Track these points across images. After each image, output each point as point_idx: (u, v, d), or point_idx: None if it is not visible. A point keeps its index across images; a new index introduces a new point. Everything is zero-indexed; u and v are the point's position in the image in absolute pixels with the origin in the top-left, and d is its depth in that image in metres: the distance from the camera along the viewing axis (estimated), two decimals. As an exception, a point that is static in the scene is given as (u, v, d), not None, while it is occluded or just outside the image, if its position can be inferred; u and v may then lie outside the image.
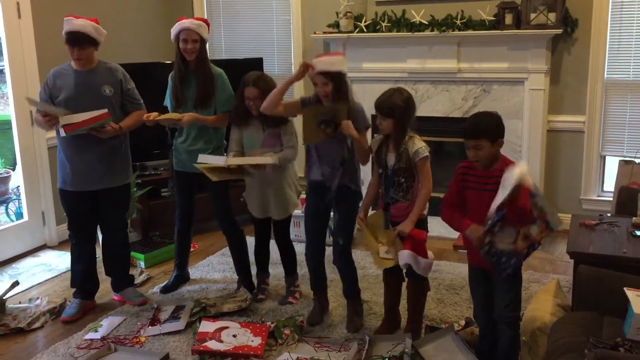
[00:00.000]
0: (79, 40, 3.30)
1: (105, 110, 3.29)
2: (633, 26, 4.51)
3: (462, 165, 2.75)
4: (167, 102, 3.66)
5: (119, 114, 3.48)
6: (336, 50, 5.08)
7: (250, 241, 3.84)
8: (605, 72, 4.62)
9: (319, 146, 3.19)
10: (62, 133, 3.30)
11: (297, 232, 4.70)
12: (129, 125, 3.49)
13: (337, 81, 3.07)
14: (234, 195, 3.81)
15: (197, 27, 3.49)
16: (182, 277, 4.00)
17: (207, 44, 3.70)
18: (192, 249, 4.65)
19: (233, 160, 3.34)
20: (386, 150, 3.00)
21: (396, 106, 2.89)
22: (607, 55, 4.59)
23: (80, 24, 3.29)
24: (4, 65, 4.54)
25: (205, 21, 3.62)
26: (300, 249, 3.66)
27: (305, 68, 3.07)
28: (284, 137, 3.44)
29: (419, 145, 2.94)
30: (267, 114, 3.25)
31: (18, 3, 4.41)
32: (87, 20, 3.33)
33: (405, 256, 2.87)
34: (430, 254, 2.97)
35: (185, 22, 3.48)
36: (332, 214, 3.35)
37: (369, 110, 3.16)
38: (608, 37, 4.55)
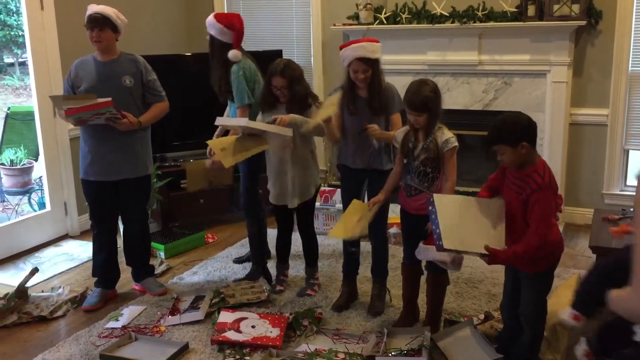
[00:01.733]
0: (97, 21, 3.34)
1: (109, 99, 3.26)
2: (659, 18, 4.43)
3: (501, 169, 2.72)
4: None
5: (140, 105, 3.51)
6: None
7: (273, 232, 3.85)
8: (630, 65, 4.54)
9: (351, 134, 3.28)
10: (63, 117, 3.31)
11: (332, 226, 4.68)
12: (148, 119, 3.51)
13: (376, 68, 3.17)
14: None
15: (208, 24, 3.65)
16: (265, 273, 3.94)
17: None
18: (210, 240, 4.71)
19: (253, 123, 3.33)
20: (415, 140, 2.98)
21: (429, 99, 2.86)
22: (631, 47, 4.51)
23: (100, 8, 3.37)
24: (26, 57, 4.59)
25: (219, 17, 3.69)
26: (331, 241, 3.63)
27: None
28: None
29: (447, 135, 2.93)
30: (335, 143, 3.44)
31: (41, -5, 4.45)
32: (106, 6, 3.39)
33: (431, 253, 2.77)
34: None
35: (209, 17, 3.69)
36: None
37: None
38: (633, 30, 4.47)
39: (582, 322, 2.34)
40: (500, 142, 2.48)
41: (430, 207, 2.61)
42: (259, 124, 3.35)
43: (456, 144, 2.93)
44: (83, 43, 4.49)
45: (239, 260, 4.23)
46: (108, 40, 3.40)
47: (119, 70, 3.44)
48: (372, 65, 3.16)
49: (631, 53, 4.52)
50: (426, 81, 2.95)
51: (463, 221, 2.59)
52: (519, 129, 2.47)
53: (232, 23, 3.65)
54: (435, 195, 2.66)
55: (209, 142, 3.45)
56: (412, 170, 2.99)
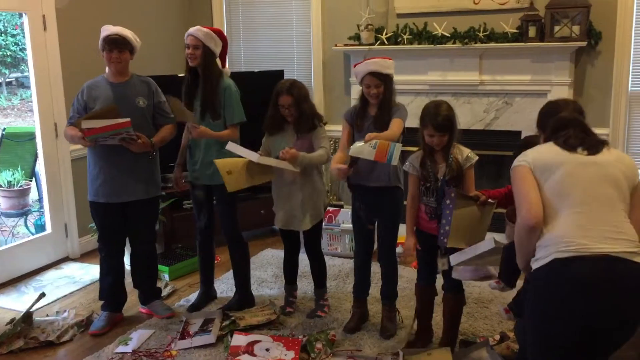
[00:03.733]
0: (117, 43, 3.33)
1: (128, 119, 3.24)
2: (657, 39, 4.51)
3: None
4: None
5: (151, 126, 3.50)
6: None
7: (279, 254, 3.83)
8: (630, 85, 4.61)
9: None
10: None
11: (337, 246, 4.69)
12: (159, 141, 3.50)
13: (388, 84, 3.20)
14: (247, 209, 3.78)
15: (202, 35, 3.45)
16: (208, 295, 3.93)
17: (225, 55, 3.70)
18: (215, 261, 4.65)
19: (263, 159, 3.32)
20: (432, 163, 2.99)
21: (451, 117, 2.90)
22: (631, 67, 4.58)
23: (119, 29, 3.35)
24: (21, 76, 4.56)
25: (219, 33, 3.60)
26: (336, 262, 3.60)
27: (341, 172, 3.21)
28: (315, 142, 3.44)
29: (466, 151, 2.97)
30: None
31: (44, 16, 4.43)
32: (124, 28, 3.38)
33: (476, 272, 2.85)
34: None
35: (193, 28, 3.49)
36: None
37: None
38: (632, 50, 4.54)
39: (505, 288, 2.67)
40: None
41: (448, 201, 2.73)
42: (269, 160, 3.35)
43: (476, 158, 2.98)
44: (86, 64, 4.51)
45: (192, 308, 3.85)
46: (127, 62, 3.40)
47: (133, 92, 3.43)
48: (384, 80, 3.19)
49: (631, 73, 4.59)
50: (440, 101, 2.98)
51: (467, 223, 2.77)
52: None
53: (221, 32, 3.64)
54: (456, 192, 2.75)
55: (216, 161, 3.41)
56: (432, 192, 2.99)
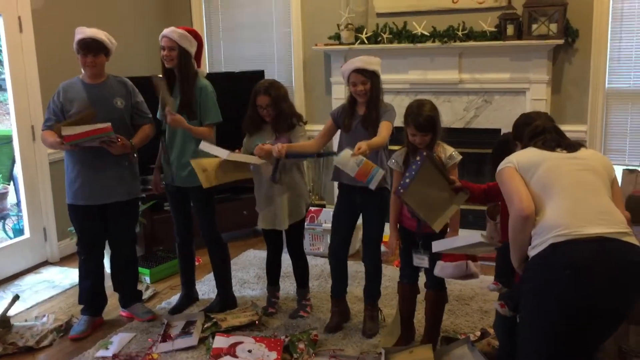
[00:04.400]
0: (91, 47, 3.28)
1: (109, 124, 3.22)
2: (633, 36, 4.55)
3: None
4: (159, 113, 3.61)
5: (130, 127, 3.46)
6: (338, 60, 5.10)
7: (262, 255, 3.81)
8: (607, 82, 4.66)
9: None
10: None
11: (319, 246, 4.68)
12: (139, 142, 3.47)
13: (374, 81, 3.19)
14: (229, 210, 3.77)
15: (176, 36, 3.41)
16: (190, 297, 3.91)
17: (201, 55, 3.67)
18: (196, 263, 4.62)
19: (234, 156, 3.35)
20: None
21: (434, 118, 2.90)
22: (607, 65, 4.63)
23: (93, 32, 3.30)
24: (3, 79, 4.50)
25: (194, 32, 3.56)
26: (318, 262, 3.58)
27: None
28: (293, 141, 3.43)
29: (449, 150, 2.97)
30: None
31: (20, 17, 4.37)
32: (99, 30, 3.33)
33: (456, 270, 2.85)
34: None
35: (167, 30, 3.45)
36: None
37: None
38: (609, 47, 4.59)
39: (501, 288, 2.76)
40: None
41: (418, 159, 2.77)
42: (238, 156, 3.38)
43: (460, 157, 2.98)
44: (62, 65, 4.45)
45: (173, 310, 3.82)
46: (102, 65, 3.37)
47: (110, 93, 3.40)
48: (370, 77, 3.18)
49: (607, 70, 4.64)
50: (424, 101, 2.98)
51: (430, 191, 2.80)
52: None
53: (196, 33, 3.61)
54: (428, 154, 2.79)
55: (191, 160, 3.40)
56: None
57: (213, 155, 3.36)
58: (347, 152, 2.96)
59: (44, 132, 3.38)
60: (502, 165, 2.38)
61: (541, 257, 2.17)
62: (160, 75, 3.51)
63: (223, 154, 3.33)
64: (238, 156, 3.39)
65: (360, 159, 2.91)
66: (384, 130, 3.13)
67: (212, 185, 3.37)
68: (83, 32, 3.29)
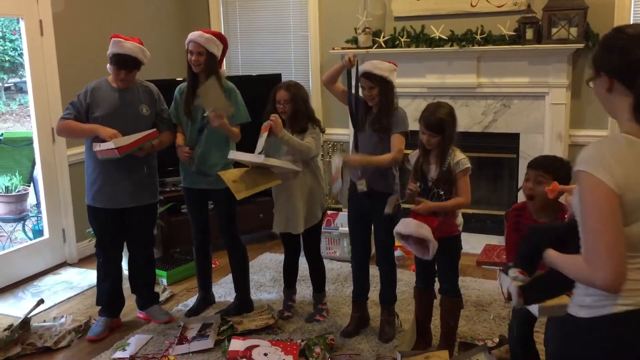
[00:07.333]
0: (127, 64, 3.31)
1: (154, 130, 3.34)
2: (654, 40, 4.50)
3: (515, 208, 2.72)
4: (173, 116, 3.60)
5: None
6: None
7: (278, 258, 3.81)
8: (627, 86, 4.60)
9: (361, 149, 3.28)
10: (97, 148, 3.27)
11: (335, 249, 4.69)
12: (159, 143, 3.49)
13: (383, 87, 3.14)
14: (245, 213, 3.76)
15: (204, 41, 3.41)
16: (207, 300, 3.92)
17: (224, 57, 3.66)
18: (213, 266, 4.64)
19: (267, 160, 3.29)
20: (427, 163, 2.99)
21: (444, 122, 2.89)
22: (628, 69, 4.57)
23: (130, 48, 3.30)
24: (20, 81, 4.55)
25: (220, 36, 3.55)
26: (334, 266, 3.57)
27: (347, 63, 3.24)
28: (307, 137, 3.44)
29: (460, 156, 2.94)
30: (325, 86, 3.46)
31: (41, 21, 4.42)
32: (136, 43, 3.33)
33: (411, 225, 2.81)
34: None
35: (194, 34, 3.44)
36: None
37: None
38: (630, 52, 4.54)
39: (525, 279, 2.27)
40: (551, 171, 2.54)
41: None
42: (273, 161, 3.33)
43: (469, 165, 2.93)
44: (83, 68, 4.50)
45: (190, 312, 3.83)
46: (133, 78, 3.41)
47: (136, 99, 3.43)
48: (379, 83, 3.15)
49: (628, 75, 4.58)
50: (443, 104, 2.97)
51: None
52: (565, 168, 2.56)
53: (222, 35, 3.60)
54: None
55: (220, 172, 3.39)
56: (425, 193, 2.99)
57: (242, 165, 3.35)
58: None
59: (66, 121, 3.36)
60: (595, 170, 1.50)
61: (599, 325, 1.58)
62: (214, 78, 3.43)
63: (257, 158, 3.26)
64: (273, 161, 3.34)
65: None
66: (394, 149, 3.12)
67: (246, 196, 3.32)
68: (121, 46, 3.28)
